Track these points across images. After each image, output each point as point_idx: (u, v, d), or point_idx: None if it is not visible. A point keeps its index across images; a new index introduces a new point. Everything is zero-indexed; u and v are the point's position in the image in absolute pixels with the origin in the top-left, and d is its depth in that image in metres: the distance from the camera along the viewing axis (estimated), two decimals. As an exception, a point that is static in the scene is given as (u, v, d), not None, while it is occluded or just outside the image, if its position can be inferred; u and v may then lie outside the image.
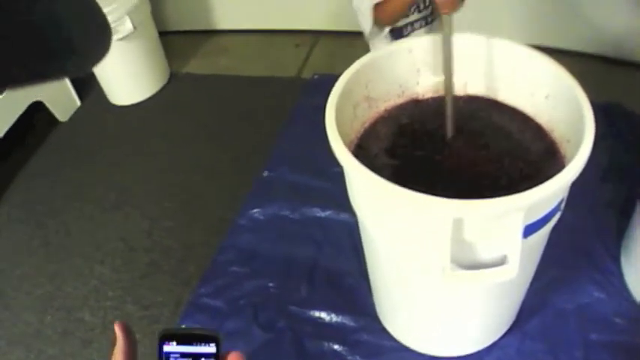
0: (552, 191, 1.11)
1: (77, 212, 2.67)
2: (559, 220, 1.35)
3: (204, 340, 0.68)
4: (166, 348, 0.68)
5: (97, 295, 2.26)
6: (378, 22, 1.85)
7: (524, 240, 1.20)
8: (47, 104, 3.13)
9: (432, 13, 1.93)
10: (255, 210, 2.28)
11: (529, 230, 1.21)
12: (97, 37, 0.51)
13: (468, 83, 1.63)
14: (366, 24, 1.87)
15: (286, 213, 2.25)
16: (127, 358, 0.68)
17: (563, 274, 1.91)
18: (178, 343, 0.68)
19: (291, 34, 3.72)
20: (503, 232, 1.18)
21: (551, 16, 3.10)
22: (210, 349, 0.68)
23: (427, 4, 1.94)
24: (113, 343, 0.69)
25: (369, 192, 1.30)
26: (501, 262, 1.22)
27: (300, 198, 2.30)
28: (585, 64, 3.04)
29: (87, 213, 2.65)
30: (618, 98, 2.52)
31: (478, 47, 1.56)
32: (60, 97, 3.27)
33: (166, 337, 0.68)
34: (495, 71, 1.56)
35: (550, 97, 1.48)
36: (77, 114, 3.32)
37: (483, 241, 1.22)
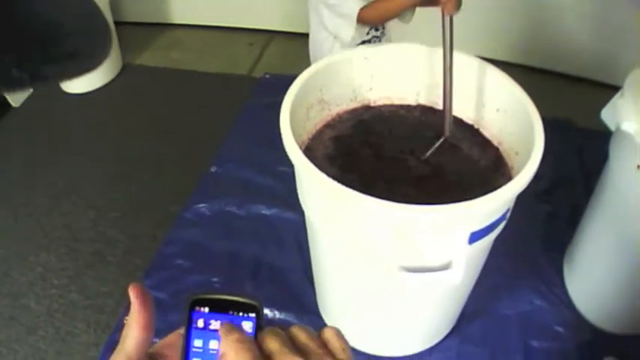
0: (499, 202, 1.15)
1: (24, 199, 2.67)
2: (504, 228, 1.39)
3: (242, 309, 0.59)
4: (196, 319, 0.59)
5: (42, 283, 2.27)
6: (364, 21, 1.82)
7: (469, 246, 1.24)
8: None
9: (382, 33, 1.96)
10: (201, 205, 2.31)
11: (474, 237, 1.24)
12: (97, 38, 0.50)
13: (420, 93, 1.68)
14: (344, 28, 1.82)
15: (232, 209, 2.28)
16: (142, 329, 0.61)
17: (505, 282, 1.95)
18: (211, 311, 0.59)
19: (245, 33, 3.75)
20: (449, 238, 1.21)
21: (506, 31, 3.19)
22: (248, 320, 0.59)
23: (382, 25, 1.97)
24: (128, 310, 0.61)
25: (318, 192, 1.32)
26: (446, 266, 1.26)
27: (246, 195, 2.33)
28: (538, 79, 3.15)
29: (34, 200, 2.65)
30: (569, 114, 2.61)
31: (431, 58, 1.60)
32: (13, 82, 3.23)
33: (198, 302, 0.59)
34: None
35: (501, 110, 1.52)
36: (29, 100, 3.31)
37: (429, 245, 1.25)
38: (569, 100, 2.95)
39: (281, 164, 1.32)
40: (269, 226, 2.20)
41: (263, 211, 2.25)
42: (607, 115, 1.60)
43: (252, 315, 0.59)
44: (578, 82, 3.15)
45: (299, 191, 1.48)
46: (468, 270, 1.34)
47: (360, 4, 1.60)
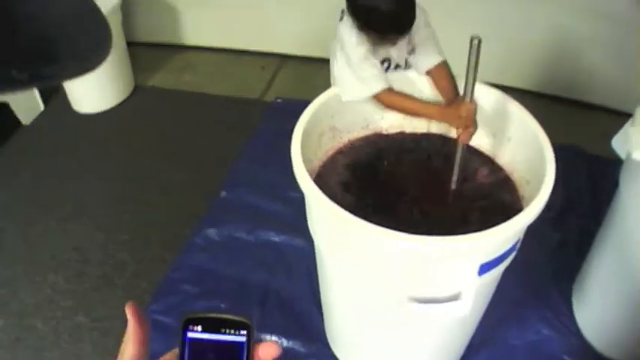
0: (509, 233, 1.16)
1: (33, 219, 2.67)
2: (513, 259, 1.39)
3: (234, 326, 0.61)
4: (191, 334, 0.61)
5: (49, 304, 2.27)
6: (378, 100, 1.69)
7: (479, 277, 1.24)
8: (12, 106, 3.14)
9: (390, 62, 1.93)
10: (210, 229, 2.32)
11: (484, 268, 1.25)
12: (97, 39, 0.50)
13: (432, 122, 1.69)
14: (351, 93, 1.67)
15: (242, 235, 2.29)
16: (138, 345, 0.64)
17: (513, 311, 1.96)
18: (204, 330, 0.61)
19: (258, 56, 3.75)
20: (459, 269, 1.22)
21: (517, 58, 3.20)
22: (240, 337, 0.61)
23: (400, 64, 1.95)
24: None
25: (328, 220, 1.33)
26: (455, 297, 1.26)
27: (256, 220, 2.34)
28: (549, 106, 3.14)
29: (43, 220, 2.65)
30: (580, 141, 2.60)
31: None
32: (24, 99, 3.26)
33: (191, 322, 0.61)
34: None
35: (512, 139, 1.53)
36: (40, 118, 3.32)
37: (438, 276, 1.26)
38: (581, 127, 2.96)
39: (291, 190, 1.33)
40: (278, 252, 2.21)
41: (272, 238, 2.26)
42: (618, 143, 1.61)
43: (244, 332, 0.61)
44: (590, 109, 3.14)
45: (309, 219, 1.49)
46: (477, 301, 1.34)
47: (385, 86, 1.56)
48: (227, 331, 0.61)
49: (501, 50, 3.06)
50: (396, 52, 1.72)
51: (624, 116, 1.63)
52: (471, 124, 1.48)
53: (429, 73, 1.66)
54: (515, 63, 3.20)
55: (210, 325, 0.61)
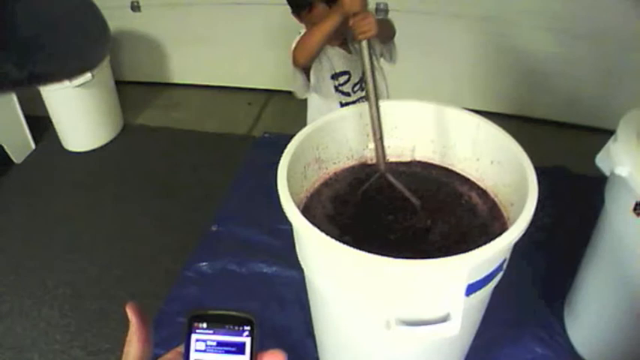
0: (495, 252, 1.19)
1: (26, 254, 2.70)
2: (503, 279, 1.41)
3: (238, 322, 0.63)
4: (196, 331, 0.63)
5: (45, 338, 2.29)
6: (297, 62, 1.88)
7: (467, 298, 1.27)
8: (4, 145, 3.19)
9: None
10: (202, 263, 2.35)
11: (471, 289, 1.27)
12: (95, 39, 0.51)
13: (416, 148, 1.73)
14: (294, 82, 1.87)
15: (233, 267, 2.32)
16: (142, 343, 0.65)
17: (506, 331, 1.98)
18: (209, 326, 0.63)
19: (244, 92, 3.82)
20: (446, 290, 1.24)
21: (498, 83, 3.27)
22: (244, 333, 0.63)
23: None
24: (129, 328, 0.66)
25: (317, 250, 1.36)
26: (444, 319, 1.28)
27: (247, 253, 2.37)
28: (533, 129, 3.22)
29: (36, 256, 2.69)
30: (565, 162, 2.66)
31: (427, 114, 1.66)
32: (15, 138, 3.32)
33: (196, 318, 0.63)
34: (443, 137, 1.65)
35: (495, 162, 1.57)
36: (31, 157, 3.37)
37: (427, 298, 1.28)
38: (565, 148, 3.03)
39: (281, 223, 1.36)
40: (270, 284, 2.24)
41: (264, 270, 2.29)
42: (601, 160, 1.64)
43: (248, 327, 0.63)
44: (573, 128, 3.22)
45: (297, 249, 1.51)
46: (467, 321, 1.36)
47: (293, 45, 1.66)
48: (231, 327, 0.63)
49: (479, 75, 3.12)
50: (345, 60, 1.80)
51: (607, 134, 1.67)
52: (364, 11, 1.55)
53: None
54: (497, 88, 3.28)
55: (215, 321, 0.63)
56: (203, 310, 0.64)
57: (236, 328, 0.63)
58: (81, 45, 0.49)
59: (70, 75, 0.48)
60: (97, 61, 0.51)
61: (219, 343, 0.63)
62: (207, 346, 0.63)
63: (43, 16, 0.43)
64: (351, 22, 1.57)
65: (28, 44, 0.42)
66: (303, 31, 1.80)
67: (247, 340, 0.63)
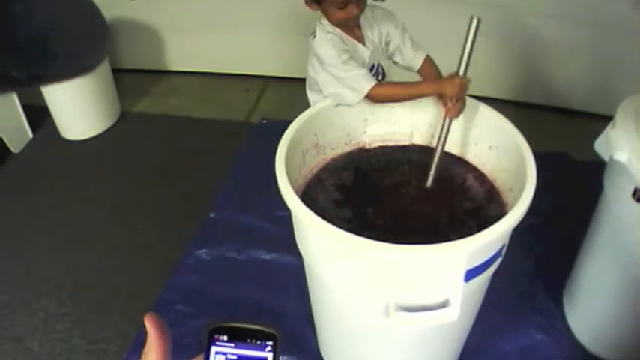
0: (493, 238, 1.20)
1: (25, 244, 2.70)
2: (502, 265, 1.42)
3: (260, 337, 0.60)
4: (216, 344, 0.60)
5: (45, 327, 2.29)
6: (372, 98, 1.75)
7: (466, 284, 1.28)
8: (1, 134, 3.18)
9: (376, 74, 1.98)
10: (201, 250, 2.35)
11: (470, 274, 1.28)
12: (95, 39, 0.51)
13: (415, 133, 1.73)
14: (350, 98, 1.72)
15: (232, 254, 2.32)
16: (161, 356, 0.62)
17: (505, 317, 2.00)
18: (230, 339, 0.60)
19: (242, 78, 3.80)
20: (445, 276, 1.25)
21: (497, 68, 3.26)
22: (267, 349, 0.60)
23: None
24: (145, 339, 0.63)
25: (316, 236, 1.36)
26: (443, 304, 1.29)
27: (246, 240, 2.37)
28: (532, 115, 3.21)
29: (36, 245, 2.68)
30: (565, 148, 2.66)
31: (425, 98, 1.67)
32: (13, 128, 3.30)
33: (217, 331, 0.61)
34: (441, 122, 1.64)
35: (493, 147, 1.57)
36: (29, 146, 3.35)
37: (426, 284, 1.29)
38: (565, 134, 3.03)
39: (279, 209, 1.35)
40: (269, 270, 2.24)
41: (263, 256, 2.29)
42: (600, 146, 1.64)
43: (270, 342, 0.61)
44: (572, 114, 3.21)
45: (296, 235, 1.51)
46: (466, 307, 1.37)
47: (373, 83, 1.62)
48: (253, 341, 0.60)
49: (479, 60, 3.11)
50: (370, 53, 1.79)
51: (605, 119, 1.68)
52: (461, 98, 1.56)
53: (419, 69, 1.81)
54: (497, 73, 3.26)
55: (236, 335, 0.60)
56: (225, 322, 0.61)
57: (258, 342, 0.61)
58: (81, 45, 0.48)
59: (71, 75, 0.47)
60: (97, 61, 0.51)
61: (240, 358, 0.61)
62: (227, 359, 0.60)
63: (43, 16, 0.43)
64: (447, 106, 1.57)
65: (28, 44, 0.41)
66: (324, 20, 1.75)
67: (269, 356, 0.61)
